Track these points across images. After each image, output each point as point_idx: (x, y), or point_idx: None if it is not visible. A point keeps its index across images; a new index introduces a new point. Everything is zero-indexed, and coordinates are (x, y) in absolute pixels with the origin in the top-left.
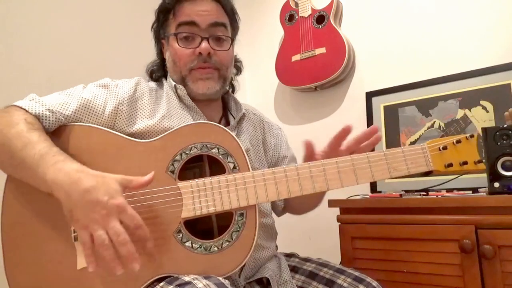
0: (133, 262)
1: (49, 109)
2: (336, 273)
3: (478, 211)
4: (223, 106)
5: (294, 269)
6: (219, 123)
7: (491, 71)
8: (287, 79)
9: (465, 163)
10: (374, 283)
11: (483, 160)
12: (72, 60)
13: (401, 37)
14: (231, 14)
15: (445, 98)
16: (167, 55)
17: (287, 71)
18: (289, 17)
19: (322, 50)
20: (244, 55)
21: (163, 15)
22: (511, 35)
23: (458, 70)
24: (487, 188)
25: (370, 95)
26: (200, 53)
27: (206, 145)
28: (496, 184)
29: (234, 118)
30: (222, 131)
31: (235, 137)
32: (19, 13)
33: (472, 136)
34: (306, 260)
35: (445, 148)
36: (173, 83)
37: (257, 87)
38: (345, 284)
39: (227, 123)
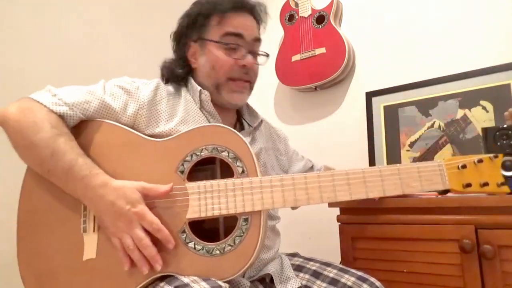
0: (155, 263)
1: (72, 109)
2: (340, 272)
3: (478, 211)
4: (237, 113)
5: (298, 268)
6: (234, 128)
7: (491, 71)
8: (287, 79)
9: (486, 184)
10: (377, 283)
11: (508, 184)
12: (70, 61)
13: (401, 37)
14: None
15: (445, 98)
16: (202, 60)
17: (287, 71)
18: (289, 17)
19: (322, 50)
20: None
21: (204, 18)
22: (511, 35)
23: (458, 70)
24: None
25: (370, 95)
26: (244, 65)
27: (217, 148)
28: None
29: (249, 125)
30: (233, 135)
31: (245, 141)
32: (18, 12)
33: (496, 156)
34: (310, 259)
35: (464, 166)
36: (199, 88)
37: (257, 87)
38: (349, 283)
39: (242, 129)
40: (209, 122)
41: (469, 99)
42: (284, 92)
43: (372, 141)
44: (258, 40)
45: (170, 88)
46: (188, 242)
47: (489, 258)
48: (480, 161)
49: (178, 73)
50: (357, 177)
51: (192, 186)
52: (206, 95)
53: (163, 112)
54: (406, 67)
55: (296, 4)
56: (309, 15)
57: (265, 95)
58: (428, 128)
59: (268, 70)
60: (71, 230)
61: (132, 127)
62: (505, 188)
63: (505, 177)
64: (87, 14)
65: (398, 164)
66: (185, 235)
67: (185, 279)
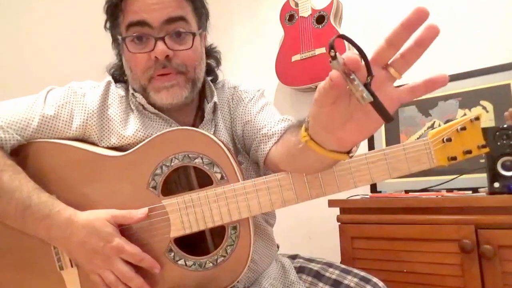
0: None
1: (7, 131)
2: (342, 273)
3: (478, 211)
4: (200, 99)
5: (300, 270)
6: (194, 123)
7: (491, 71)
8: (287, 79)
9: (469, 152)
10: (380, 284)
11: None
12: (67, 60)
13: None
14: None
15: (445, 98)
16: (124, 61)
17: (287, 71)
18: (289, 17)
19: (322, 50)
20: (244, 55)
21: (112, 12)
22: (511, 35)
23: (458, 70)
24: (487, 188)
25: None
26: (156, 57)
27: (188, 155)
28: (496, 184)
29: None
30: (204, 138)
31: (220, 143)
32: (16, 10)
33: (477, 118)
34: (311, 260)
35: (449, 140)
36: (131, 92)
37: (257, 87)
38: (352, 284)
39: (203, 119)
40: (165, 123)
41: (469, 99)
42: (284, 92)
43: (372, 141)
44: (173, 20)
45: (121, 91)
46: (178, 260)
47: (489, 258)
48: (463, 128)
49: (119, 76)
50: (344, 168)
51: (170, 203)
52: (140, 99)
53: (116, 116)
54: None
55: (296, 4)
56: (309, 15)
57: (265, 95)
58: (428, 128)
59: (268, 70)
60: (45, 269)
61: (82, 140)
62: (484, 150)
63: (503, 176)
64: (84, 12)
65: (384, 148)
66: (172, 253)
67: None
